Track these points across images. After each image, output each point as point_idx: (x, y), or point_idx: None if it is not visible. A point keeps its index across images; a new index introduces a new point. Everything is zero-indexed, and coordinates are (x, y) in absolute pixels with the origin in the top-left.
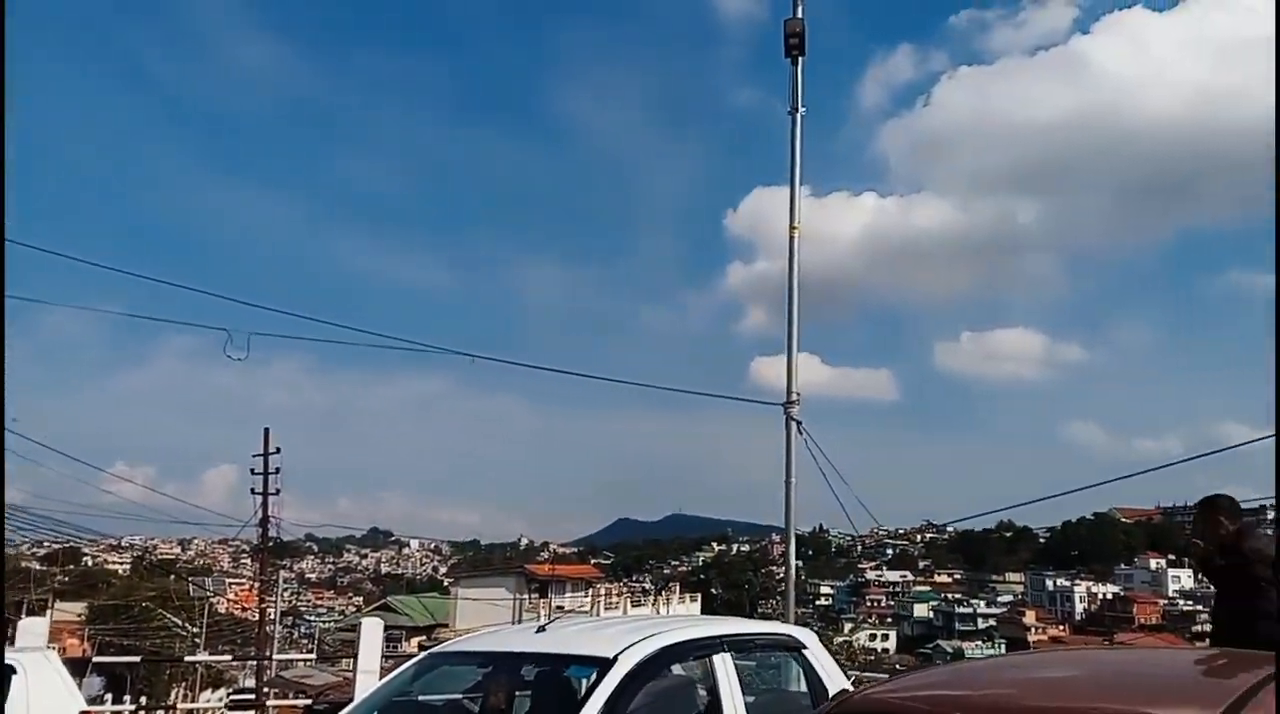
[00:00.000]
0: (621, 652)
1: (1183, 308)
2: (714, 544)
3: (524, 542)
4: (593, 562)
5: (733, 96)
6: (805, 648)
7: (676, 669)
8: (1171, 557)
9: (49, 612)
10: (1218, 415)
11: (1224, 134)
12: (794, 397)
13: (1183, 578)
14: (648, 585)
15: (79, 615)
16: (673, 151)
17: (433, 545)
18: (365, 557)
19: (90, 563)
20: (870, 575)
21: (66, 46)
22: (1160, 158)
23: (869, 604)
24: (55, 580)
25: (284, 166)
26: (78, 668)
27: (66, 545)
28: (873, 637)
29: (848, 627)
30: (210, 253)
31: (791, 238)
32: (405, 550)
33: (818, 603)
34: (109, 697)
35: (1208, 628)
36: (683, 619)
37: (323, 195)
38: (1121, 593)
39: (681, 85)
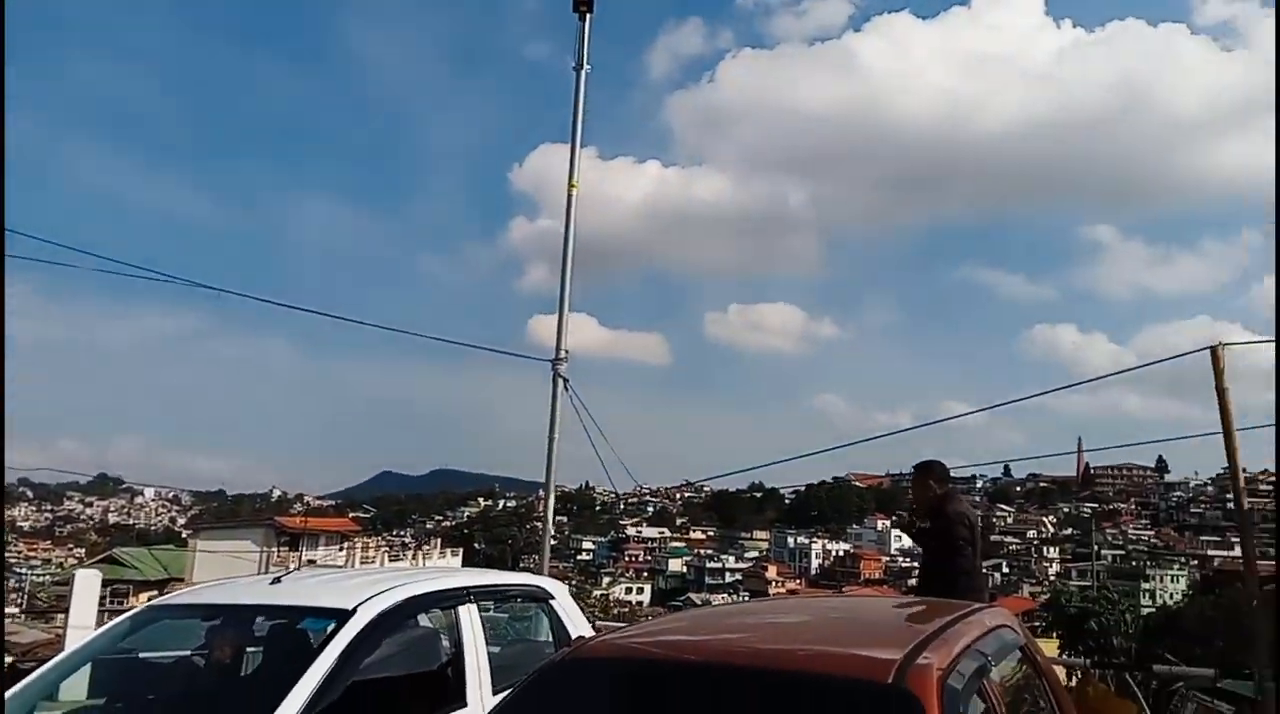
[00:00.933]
0: (361, 603)
1: (922, 295)
2: (481, 500)
3: (276, 493)
4: (351, 515)
5: (526, 48)
6: (553, 598)
7: (424, 621)
8: (895, 518)
9: None
10: (943, 393)
11: (966, 140)
12: (562, 354)
13: (904, 537)
14: (408, 540)
15: None
16: (463, 98)
17: (170, 495)
18: (90, 505)
19: None
20: (630, 532)
21: None
22: (913, 155)
23: (628, 559)
24: None
25: (15, 67)
26: None
27: None
28: (629, 590)
29: (606, 580)
30: None
31: (570, 195)
32: (138, 500)
33: (579, 558)
34: None
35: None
36: (430, 571)
37: (64, 104)
38: (852, 550)
39: (477, 30)
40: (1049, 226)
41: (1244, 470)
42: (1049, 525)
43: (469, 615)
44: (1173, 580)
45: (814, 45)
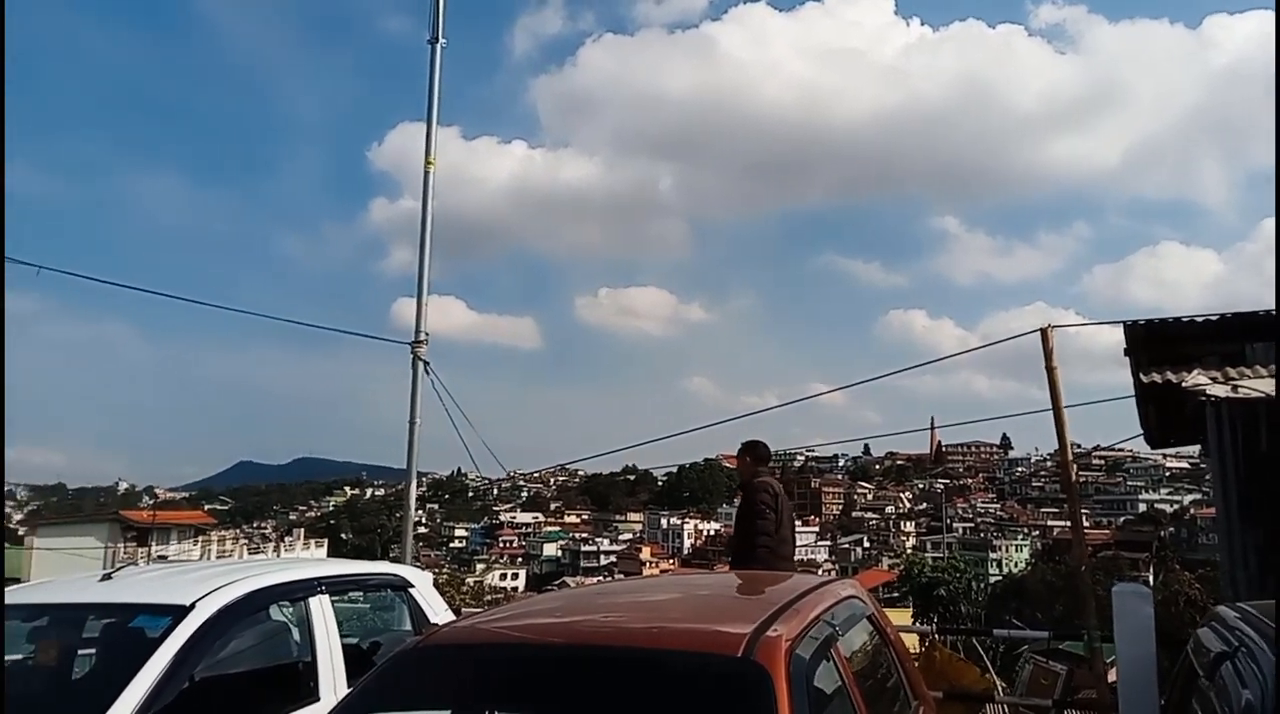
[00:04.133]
0: (200, 599)
1: (786, 280)
2: (347, 489)
3: (122, 486)
4: (207, 508)
5: (383, 20)
6: (412, 586)
7: (276, 614)
8: None
9: None
10: (806, 375)
11: (824, 130)
12: (422, 336)
13: None
14: (269, 533)
15: None
16: (318, 71)
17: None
18: None
19: None
20: (504, 517)
21: None
22: (774, 143)
23: (502, 545)
24: None
25: None
26: None
27: None
28: (504, 576)
29: (480, 567)
30: None
31: (426, 172)
32: None
33: (452, 545)
34: None
35: None
36: (277, 563)
37: None
38: (722, 529)
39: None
40: (901, 216)
41: (1078, 445)
42: (905, 501)
43: (320, 607)
44: (1017, 550)
45: (674, 33)
